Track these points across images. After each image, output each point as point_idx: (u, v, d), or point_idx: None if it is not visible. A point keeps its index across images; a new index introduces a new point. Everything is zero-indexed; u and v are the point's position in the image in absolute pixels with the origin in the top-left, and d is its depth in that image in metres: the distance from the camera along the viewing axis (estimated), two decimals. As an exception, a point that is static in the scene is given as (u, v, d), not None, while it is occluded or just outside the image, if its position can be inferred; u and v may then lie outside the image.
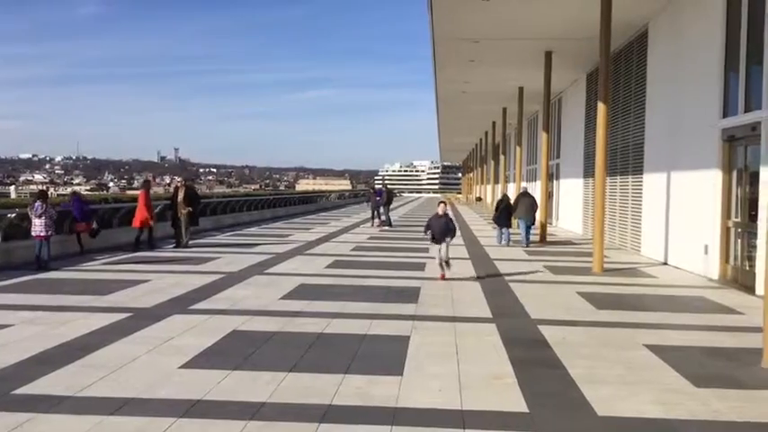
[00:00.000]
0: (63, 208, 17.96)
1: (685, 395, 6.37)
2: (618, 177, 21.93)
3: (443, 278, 13.50)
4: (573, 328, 9.32)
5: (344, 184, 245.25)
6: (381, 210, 30.70)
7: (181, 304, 10.63)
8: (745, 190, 13.48)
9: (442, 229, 13.42)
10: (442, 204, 14.04)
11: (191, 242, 20.37)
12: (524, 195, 22.27)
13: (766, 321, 7.54)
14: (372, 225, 30.18)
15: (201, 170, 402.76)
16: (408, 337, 8.52)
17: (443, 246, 13.35)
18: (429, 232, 13.61)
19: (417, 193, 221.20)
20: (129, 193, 35.60)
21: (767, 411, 5.93)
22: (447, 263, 13.50)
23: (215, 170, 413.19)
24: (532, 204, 21.92)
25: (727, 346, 8.39)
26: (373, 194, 32.21)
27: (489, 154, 53.26)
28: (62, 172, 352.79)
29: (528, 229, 21.66)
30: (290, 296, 11.58)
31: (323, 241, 22.93)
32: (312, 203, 51.54)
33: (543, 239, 23.32)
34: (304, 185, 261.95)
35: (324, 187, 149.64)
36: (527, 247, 21.29)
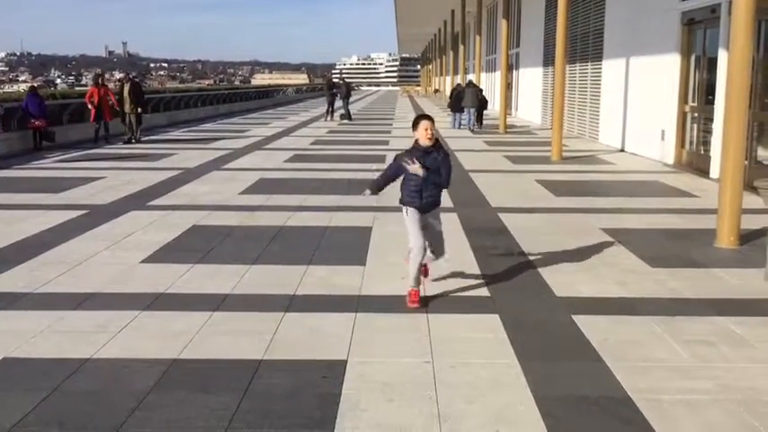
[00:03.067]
0: (16, 104, 17.34)
1: (642, 275, 6.55)
2: (577, 65, 21.80)
3: (416, 299, 5.60)
4: (532, 215, 9.43)
5: (302, 79, 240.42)
6: (341, 103, 30.28)
7: (138, 200, 10.44)
8: (702, 74, 13.50)
9: (430, 180, 5.57)
10: (426, 124, 5.46)
11: (143, 138, 20.03)
12: (470, 86, 25.45)
13: (720, 203, 7.71)
14: (327, 119, 29.79)
15: (152, 65, 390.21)
16: (371, 228, 8.54)
17: (433, 222, 5.76)
18: (405, 188, 5.65)
19: (376, 86, 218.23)
20: (78, 89, 34.38)
21: (719, 288, 6.14)
22: (437, 252, 5.85)
23: (166, 65, 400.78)
24: (476, 93, 24.93)
25: (682, 228, 8.60)
26: (329, 88, 31.75)
27: (448, 44, 52.32)
28: (6, 69, 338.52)
29: (473, 114, 24.84)
30: (249, 191, 11.45)
31: (281, 136, 22.60)
32: (269, 98, 50.48)
33: (503, 130, 23.35)
34: (260, 80, 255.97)
35: (280, 81, 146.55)
36: (474, 129, 24.31)
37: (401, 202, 5.70)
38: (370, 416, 3.80)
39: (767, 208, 7.61)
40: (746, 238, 7.75)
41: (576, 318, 5.35)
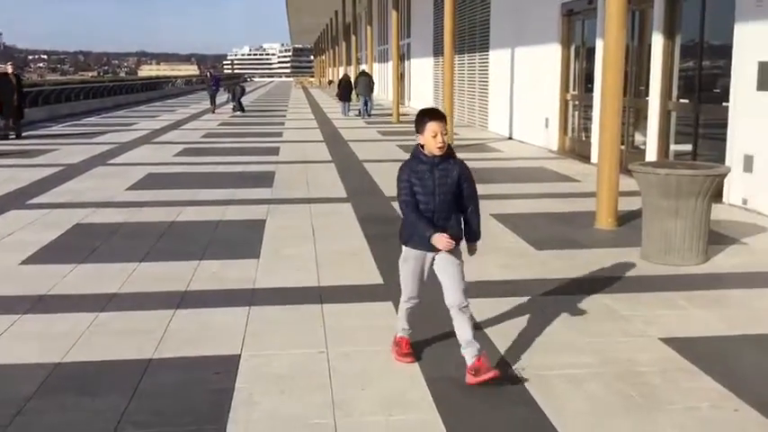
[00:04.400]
0: None
1: (527, 257, 6.81)
2: (466, 55, 22.30)
3: (405, 350, 4.45)
4: (425, 202, 9.60)
5: (191, 70, 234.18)
6: (232, 96, 29.89)
7: (17, 199, 9.92)
8: (582, 64, 14.12)
9: (445, 202, 4.02)
10: (436, 127, 3.85)
11: (23, 134, 19.00)
12: (362, 75, 26.84)
13: (598, 187, 8.10)
14: (213, 112, 29.27)
15: (30, 57, 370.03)
16: (264, 221, 8.46)
17: (445, 262, 4.13)
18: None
19: (269, 77, 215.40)
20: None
21: (598, 267, 6.46)
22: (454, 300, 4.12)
23: (46, 57, 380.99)
24: (369, 82, 26.33)
25: (564, 211, 8.98)
26: (209, 80, 31.51)
27: (340, 35, 52.31)
28: None
29: (366, 102, 26.24)
30: (136, 186, 11.10)
31: (170, 129, 21.99)
32: (157, 90, 48.97)
33: (396, 119, 23.61)
34: (147, 71, 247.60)
35: (169, 73, 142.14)
36: (367, 117, 25.49)
37: (400, 237, 4.13)
38: (264, 408, 3.79)
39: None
40: (624, 219, 8.17)
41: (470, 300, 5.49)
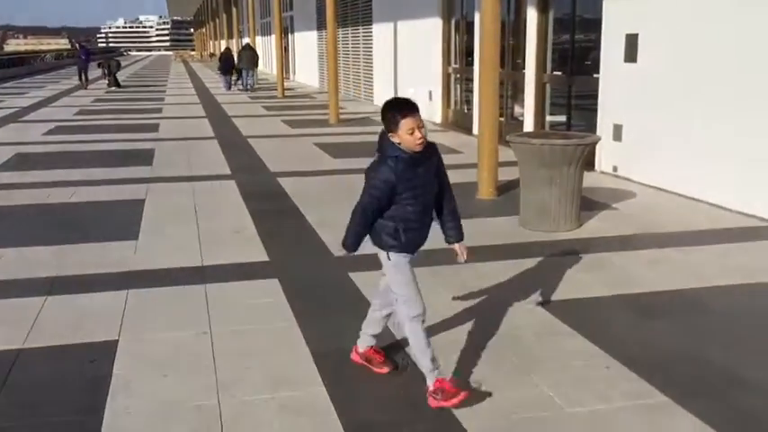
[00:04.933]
0: None
1: (412, 229, 6.89)
2: (349, 28, 22.20)
3: (452, 389, 3.49)
4: (311, 178, 9.54)
5: (62, 44, 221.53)
6: (107, 71, 28.52)
7: None
8: (462, 37, 14.36)
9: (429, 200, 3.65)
10: (412, 122, 3.33)
11: None
12: (246, 49, 26.23)
13: (479, 158, 8.30)
14: (85, 87, 27.90)
15: None
16: (143, 201, 8.15)
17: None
18: (394, 221, 3.54)
19: (147, 51, 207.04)
20: None
21: (480, 236, 6.61)
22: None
23: None
24: (252, 56, 25.74)
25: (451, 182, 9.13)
26: (79, 53, 30.08)
27: (221, 7, 50.82)
28: None
29: (249, 75, 25.85)
30: (2, 168, 10.42)
31: (40, 106, 20.78)
32: (24, 66, 46.06)
33: (281, 94, 23.28)
34: (14, 46, 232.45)
35: (38, 47, 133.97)
36: (251, 92, 25.16)
37: (384, 245, 3.56)
38: (143, 393, 3.66)
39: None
40: (504, 188, 8.42)
41: (352, 275, 5.52)
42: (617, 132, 9.18)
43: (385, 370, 3.89)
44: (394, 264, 3.59)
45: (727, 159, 7.45)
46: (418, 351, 3.57)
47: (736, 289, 5.18)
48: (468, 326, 4.52)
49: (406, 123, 3.31)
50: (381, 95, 19.32)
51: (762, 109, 6.98)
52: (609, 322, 4.61)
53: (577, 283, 5.34)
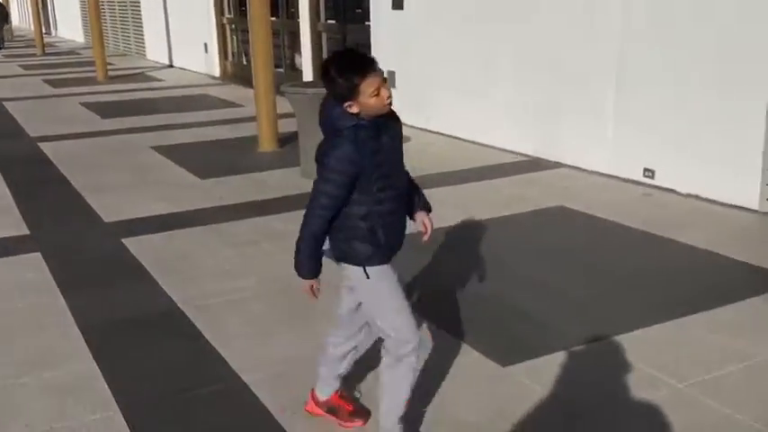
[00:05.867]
0: None
1: (192, 188, 6.64)
2: (113, -22, 20.69)
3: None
4: (77, 140, 8.85)
5: None
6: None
7: None
8: (235, -14, 13.90)
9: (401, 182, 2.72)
10: (377, 81, 2.44)
11: None
12: None
13: (257, 110, 8.15)
14: None
15: None
16: None
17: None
18: (365, 222, 2.60)
19: None
20: None
21: (262, 190, 6.53)
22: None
23: None
24: (1, 10, 23.97)
25: (229, 138, 8.91)
26: None
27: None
28: None
29: None
30: None
31: None
32: None
33: (41, 51, 21.29)
34: None
35: None
36: (3, 49, 23.09)
37: (356, 256, 2.62)
38: None
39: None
40: (286, 140, 8.35)
41: (125, 241, 5.22)
42: (391, 79, 9.41)
43: (358, 423, 2.94)
44: (376, 282, 2.62)
45: (497, 103, 7.92)
46: (393, 402, 2.71)
47: (503, 220, 5.56)
48: (250, 281, 4.46)
49: (368, 85, 2.41)
50: (155, 49, 18.31)
51: (528, 54, 7.47)
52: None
53: (357, 228, 5.44)
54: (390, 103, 2.50)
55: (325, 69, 2.46)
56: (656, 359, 3.38)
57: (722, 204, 5.68)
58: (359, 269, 2.61)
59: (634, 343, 3.55)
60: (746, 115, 5.44)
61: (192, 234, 5.36)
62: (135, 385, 3.32)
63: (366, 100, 2.43)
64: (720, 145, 5.66)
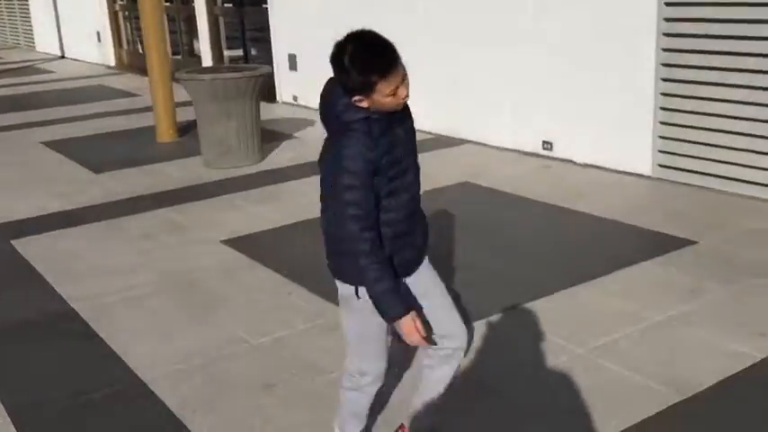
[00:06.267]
0: None
1: (86, 184, 6.35)
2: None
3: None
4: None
5: None
6: None
7: None
8: (125, -28, 13.37)
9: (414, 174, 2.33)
10: (401, 73, 2.09)
11: None
12: None
13: (154, 100, 7.87)
14: None
15: None
16: None
17: (430, 280, 2.46)
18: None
19: None
20: None
21: (162, 181, 6.31)
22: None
23: None
24: None
25: (126, 129, 8.57)
26: None
27: None
28: None
29: None
30: None
31: None
32: None
33: None
34: None
35: None
36: None
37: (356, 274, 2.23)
38: None
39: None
40: (185, 129, 8.11)
41: (15, 242, 4.95)
42: (292, 62, 9.27)
43: None
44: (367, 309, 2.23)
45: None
46: (348, 414, 2.52)
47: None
48: (150, 276, 4.30)
49: (387, 86, 2.07)
50: (45, 41, 17.45)
51: (427, 33, 7.47)
52: (291, 250, 4.68)
53: (260, 215, 5.34)
54: (407, 98, 2.16)
55: (338, 56, 2.10)
56: (558, 327, 3.46)
57: (617, 172, 5.86)
58: (350, 288, 2.26)
59: (538, 312, 3.61)
60: (635, 86, 5.61)
61: (87, 231, 5.13)
62: (26, 391, 3.14)
63: (380, 98, 2.09)
64: (612, 115, 5.82)
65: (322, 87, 2.30)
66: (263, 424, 2.85)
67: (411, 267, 2.34)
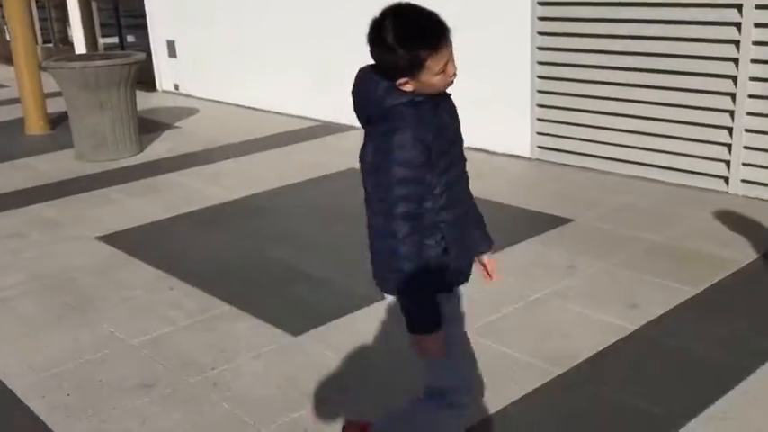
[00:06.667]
0: None
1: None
2: None
3: None
4: None
5: None
6: None
7: None
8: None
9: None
10: (449, 49, 1.85)
11: None
12: None
13: (21, 91, 7.44)
14: None
15: None
16: None
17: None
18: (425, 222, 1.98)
19: None
20: None
21: (31, 176, 5.96)
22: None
23: None
24: None
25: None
26: None
27: None
28: None
29: None
30: None
31: None
32: None
33: None
34: None
35: None
36: None
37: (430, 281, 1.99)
38: None
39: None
40: (58, 120, 7.68)
41: None
42: (171, 49, 8.96)
43: None
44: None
45: (290, 69, 7.71)
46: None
47: (293, 187, 5.48)
48: (19, 277, 4.04)
49: (437, 62, 1.83)
50: None
51: (312, 21, 7.35)
52: (170, 243, 4.51)
53: (138, 209, 5.12)
54: (453, 81, 1.91)
55: (377, 33, 1.82)
56: (442, 309, 3.48)
57: (500, 155, 5.99)
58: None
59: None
60: (514, 68, 5.74)
61: (-53, 232, 4.78)
62: None
63: (428, 78, 1.84)
64: (493, 99, 5.93)
65: (354, 78, 2.01)
66: (140, 426, 2.72)
67: (458, 276, 2.08)
